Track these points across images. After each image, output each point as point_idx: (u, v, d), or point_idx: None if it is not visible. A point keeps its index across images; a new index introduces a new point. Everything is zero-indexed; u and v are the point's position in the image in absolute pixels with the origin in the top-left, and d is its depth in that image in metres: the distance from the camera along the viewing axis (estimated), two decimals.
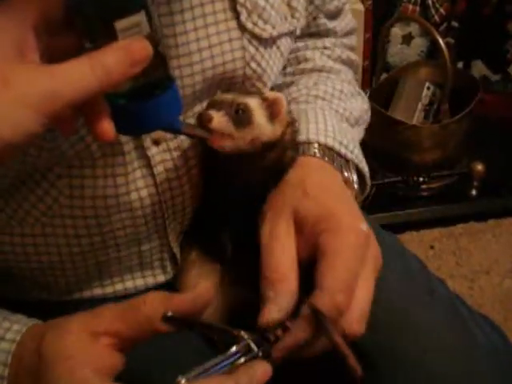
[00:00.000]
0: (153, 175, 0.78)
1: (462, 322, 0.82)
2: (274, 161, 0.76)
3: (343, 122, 0.88)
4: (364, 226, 0.70)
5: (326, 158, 0.79)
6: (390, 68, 2.22)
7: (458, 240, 2.02)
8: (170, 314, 0.59)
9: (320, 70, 0.95)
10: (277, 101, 0.74)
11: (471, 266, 1.94)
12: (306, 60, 0.96)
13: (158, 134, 0.75)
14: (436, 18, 2.18)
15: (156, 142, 0.76)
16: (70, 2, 0.54)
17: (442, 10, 2.18)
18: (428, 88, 2.00)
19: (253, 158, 0.74)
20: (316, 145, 0.80)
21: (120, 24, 0.53)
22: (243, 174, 0.77)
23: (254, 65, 0.79)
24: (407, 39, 2.22)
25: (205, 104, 0.77)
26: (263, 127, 0.73)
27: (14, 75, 0.50)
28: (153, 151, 0.77)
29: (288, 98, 0.90)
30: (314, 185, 0.73)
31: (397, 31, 2.20)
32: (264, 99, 0.74)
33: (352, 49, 1.03)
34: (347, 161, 0.83)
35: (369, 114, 0.99)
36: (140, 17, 0.54)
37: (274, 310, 0.64)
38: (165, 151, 0.78)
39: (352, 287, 0.65)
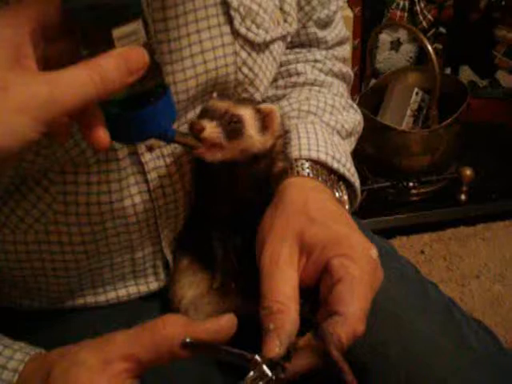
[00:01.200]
0: (146, 181, 0.77)
1: (456, 326, 0.82)
2: (263, 170, 0.76)
3: (334, 136, 0.88)
4: (374, 253, 0.69)
5: (320, 179, 0.79)
6: (379, 74, 2.23)
7: (447, 245, 2.03)
8: (188, 340, 0.58)
9: (312, 84, 0.95)
10: (270, 113, 0.74)
11: (461, 270, 1.95)
12: (298, 74, 0.95)
13: (152, 140, 0.75)
14: (424, 24, 2.20)
15: (150, 149, 0.76)
16: (68, 9, 0.54)
17: (429, 16, 2.20)
18: (417, 93, 2.01)
19: (242, 168, 0.74)
20: (308, 163, 0.79)
21: (117, 32, 0.54)
22: (232, 183, 0.77)
23: (245, 70, 0.79)
24: (395, 45, 2.24)
25: (198, 110, 0.77)
26: (254, 139, 0.73)
27: (11, 82, 0.50)
28: (146, 157, 0.76)
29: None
30: (317, 209, 0.72)
31: (385, 37, 2.22)
32: (257, 110, 0.73)
33: (344, 60, 1.02)
34: (338, 179, 0.83)
35: (362, 125, 0.98)
36: (137, 25, 0.55)
37: (276, 345, 0.62)
38: (158, 157, 0.77)
39: (367, 316, 0.65)
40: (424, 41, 1.86)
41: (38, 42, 0.54)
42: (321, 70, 0.96)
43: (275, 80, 0.95)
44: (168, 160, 0.78)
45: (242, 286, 0.72)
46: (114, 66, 0.53)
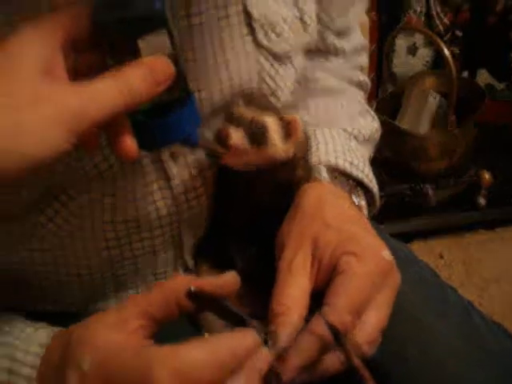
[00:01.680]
0: (170, 188, 0.79)
1: (476, 330, 0.82)
2: (284, 178, 0.77)
3: (352, 141, 0.88)
4: (386, 254, 0.69)
5: (338, 183, 0.79)
6: (396, 79, 2.23)
7: (466, 249, 2.02)
8: (192, 288, 0.59)
9: (329, 91, 0.95)
10: (293, 122, 0.74)
11: (481, 274, 1.94)
12: (315, 80, 0.95)
13: (176, 147, 0.76)
14: (440, 27, 2.19)
15: (173, 155, 0.77)
16: (96, 21, 0.55)
17: (445, 20, 2.19)
18: (434, 97, 2.01)
19: (263, 175, 0.75)
20: (326, 169, 0.80)
21: (143, 42, 0.55)
22: (253, 190, 0.78)
23: (268, 80, 0.80)
24: (412, 50, 2.23)
25: (222, 118, 0.78)
26: (278, 147, 0.74)
27: (44, 94, 0.51)
28: (170, 164, 0.78)
29: None
30: (333, 214, 0.72)
31: (402, 42, 2.21)
32: (281, 118, 0.74)
33: (361, 69, 1.02)
34: (357, 184, 0.83)
35: (379, 132, 0.98)
36: (162, 36, 0.56)
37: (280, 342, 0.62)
38: (182, 164, 0.78)
39: (360, 312, 0.65)
40: (440, 45, 1.86)
41: (68, 54, 0.55)
42: (338, 78, 0.97)
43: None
44: (192, 166, 0.79)
45: (262, 292, 0.72)
46: (141, 77, 0.54)
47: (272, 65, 0.79)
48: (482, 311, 0.89)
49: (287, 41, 0.80)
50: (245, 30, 0.76)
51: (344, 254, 0.67)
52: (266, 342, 0.60)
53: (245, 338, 0.57)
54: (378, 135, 0.98)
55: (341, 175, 0.81)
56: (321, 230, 0.71)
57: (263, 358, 0.58)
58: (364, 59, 1.04)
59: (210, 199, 0.82)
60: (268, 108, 0.77)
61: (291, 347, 0.62)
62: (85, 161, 0.71)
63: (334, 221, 0.71)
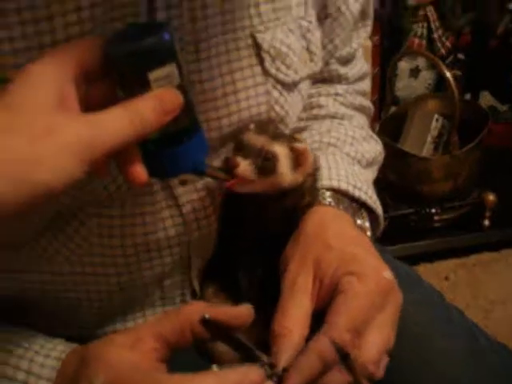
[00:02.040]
0: (181, 215, 0.79)
1: (481, 351, 0.82)
2: (290, 205, 0.78)
3: (355, 165, 0.90)
4: (387, 274, 0.70)
5: (341, 207, 0.80)
6: (399, 101, 2.24)
7: (472, 271, 2.02)
8: (207, 316, 0.61)
9: (333, 117, 0.96)
10: (304, 153, 0.75)
11: (486, 296, 1.94)
12: (320, 106, 0.97)
13: (185, 175, 0.77)
14: (442, 50, 2.21)
15: (182, 182, 0.78)
16: (107, 54, 0.57)
17: (447, 43, 2.21)
18: (437, 120, 2.02)
19: (271, 201, 0.76)
20: (329, 193, 0.81)
21: (153, 75, 0.57)
22: (260, 215, 0.79)
23: (278, 108, 0.81)
24: (415, 72, 2.25)
25: (230, 146, 0.79)
26: (286, 176, 0.75)
27: (57, 125, 0.53)
28: (179, 191, 0.78)
29: None
30: (334, 236, 0.74)
31: (404, 65, 2.23)
32: (291, 149, 0.75)
33: (364, 94, 1.04)
34: (360, 206, 0.84)
35: (382, 155, 1.00)
36: (171, 68, 0.58)
37: (283, 353, 0.64)
38: (192, 191, 0.79)
39: (360, 331, 0.65)
40: (442, 68, 1.87)
41: (80, 84, 0.57)
42: (342, 104, 0.98)
43: None
44: (202, 193, 0.80)
45: (267, 316, 0.73)
46: (151, 107, 0.56)
47: (281, 93, 0.81)
48: (488, 332, 0.89)
49: (296, 71, 0.81)
50: (254, 61, 0.78)
51: (345, 274, 0.68)
52: (272, 376, 0.61)
53: (251, 373, 0.58)
54: (381, 158, 0.99)
55: (344, 198, 0.82)
56: (323, 251, 0.72)
57: None
58: (367, 85, 1.06)
59: (218, 220, 0.83)
60: (277, 135, 0.78)
61: (291, 367, 0.63)
62: (95, 183, 0.72)
63: (336, 242, 0.73)
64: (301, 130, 0.96)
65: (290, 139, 0.78)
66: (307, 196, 0.79)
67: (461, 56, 2.26)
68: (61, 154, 0.52)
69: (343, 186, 0.82)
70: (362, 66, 1.02)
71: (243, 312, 0.64)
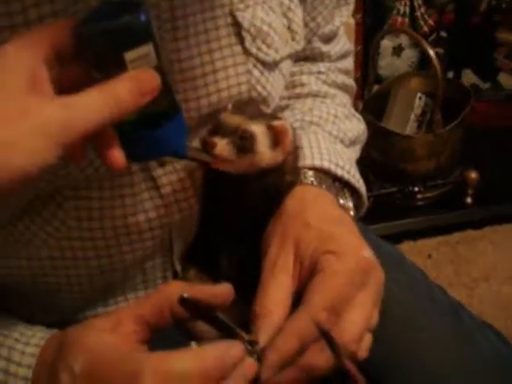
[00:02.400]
0: (161, 196, 0.78)
1: (466, 331, 0.83)
2: (272, 184, 0.77)
3: (337, 144, 0.89)
4: (366, 253, 0.70)
5: (324, 186, 0.79)
6: (382, 80, 2.23)
7: (455, 248, 2.03)
8: (185, 295, 0.60)
9: (315, 95, 0.96)
10: (282, 130, 0.74)
11: (470, 273, 1.95)
12: (302, 85, 0.96)
13: (165, 158, 0.76)
14: (425, 28, 2.21)
15: (161, 164, 0.77)
16: (81, 33, 0.55)
17: (430, 21, 2.21)
18: (420, 98, 2.02)
19: (251, 181, 0.75)
20: (311, 172, 0.80)
21: (129, 55, 0.55)
22: (241, 196, 0.77)
23: (259, 88, 0.80)
24: (397, 51, 2.24)
25: (209, 127, 0.78)
26: (265, 155, 0.73)
27: (30, 108, 0.51)
28: (158, 172, 0.77)
29: None
30: (314, 215, 0.73)
31: (387, 43, 2.22)
32: (269, 127, 0.74)
33: (347, 72, 1.03)
34: (344, 186, 0.83)
35: (365, 134, 0.99)
36: (148, 48, 0.56)
37: (263, 331, 0.64)
38: (171, 172, 0.78)
39: (339, 310, 0.65)
40: (425, 46, 1.87)
41: (52, 66, 0.55)
42: (324, 82, 0.97)
43: None
44: (182, 174, 0.79)
45: (248, 296, 0.73)
46: (128, 88, 0.54)
47: (262, 73, 0.80)
48: (472, 311, 0.89)
49: (277, 50, 0.80)
50: (234, 40, 0.77)
51: (324, 253, 0.68)
52: (252, 353, 0.61)
53: (231, 349, 0.57)
54: (364, 137, 0.98)
55: (326, 177, 0.81)
56: (302, 230, 0.71)
57: (249, 366, 0.59)
58: (349, 63, 1.05)
59: (199, 202, 0.82)
60: (256, 115, 0.76)
61: (269, 346, 0.62)
62: (71, 167, 0.71)
63: (316, 221, 0.72)
64: (283, 108, 0.95)
65: (268, 118, 0.77)
66: (288, 175, 0.78)
67: (443, 34, 2.25)
68: (35, 136, 0.51)
69: (325, 164, 0.81)
70: (344, 43, 1.02)
71: (223, 291, 0.63)
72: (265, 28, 0.78)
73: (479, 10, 2.22)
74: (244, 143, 0.72)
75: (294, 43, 0.84)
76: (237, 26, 0.76)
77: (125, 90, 0.54)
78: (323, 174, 0.81)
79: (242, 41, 0.77)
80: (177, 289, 0.61)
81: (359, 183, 0.85)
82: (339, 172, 0.82)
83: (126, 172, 0.75)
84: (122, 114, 0.55)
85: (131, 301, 0.86)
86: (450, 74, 2.32)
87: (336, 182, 0.82)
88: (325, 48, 0.97)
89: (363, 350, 0.66)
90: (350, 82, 1.03)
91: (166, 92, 0.58)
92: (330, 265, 0.67)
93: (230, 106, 0.76)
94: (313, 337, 0.63)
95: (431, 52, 1.85)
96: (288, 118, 0.91)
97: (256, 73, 0.79)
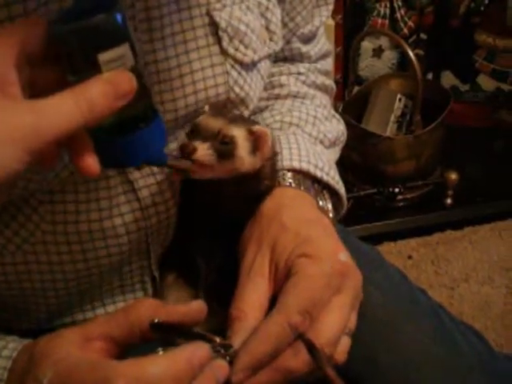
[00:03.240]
0: (138, 200, 0.77)
1: (446, 332, 0.82)
2: (249, 189, 0.76)
3: (317, 145, 0.88)
4: (343, 256, 0.69)
5: (302, 187, 0.79)
6: (362, 81, 2.24)
7: (435, 249, 2.03)
8: (156, 320, 0.59)
9: (295, 96, 0.95)
10: (262, 136, 0.73)
11: (450, 274, 1.95)
12: (281, 86, 0.95)
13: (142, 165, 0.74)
14: (405, 30, 2.21)
15: (138, 167, 0.76)
16: (53, 34, 0.53)
17: (410, 23, 2.21)
18: (400, 100, 2.02)
19: (229, 185, 0.74)
20: (290, 174, 0.79)
21: (103, 56, 0.52)
22: (217, 201, 0.76)
23: (237, 89, 0.79)
24: (378, 52, 2.25)
25: (186, 129, 0.76)
26: (244, 160, 0.72)
27: None
28: (135, 175, 0.76)
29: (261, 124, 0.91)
30: (291, 217, 0.73)
31: (367, 45, 2.22)
32: (250, 132, 0.73)
33: (327, 73, 1.03)
34: (323, 188, 0.83)
35: (345, 135, 0.98)
36: (124, 49, 0.54)
37: (238, 335, 0.64)
38: (148, 175, 0.77)
39: (314, 314, 0.64)
40: (406, 47, 1.87)
41: (22, 68, 0.53)
42: (304, 83, 0.97)
43: None
44: (159, 177, 0.78)
45: (227, 300, 0.72)
46: (101, 91, 0.52)
47: (240, 73, 0.79)
48: (452, 311, 0.89)
49: (255, 50, 0.80)
50: (211, 40, 0.76)
51: (299, 256, 0.67)
52: (225, 356, 0.61)
53: (198, 350, 0.56)
54: (344, 138, 0.98)
55: (305, 179, 0.80)
56: (278, 233, 0.71)
57: (219, 368, 0.58)
58: (329, 63, 1.04)
59: (177, 205, 0.81)
60: (235, 118, 0.76)
61: (241, 348, 0.62)
62: (45, 172, 0.69)
63: (292, 224, 0.71)
64: (262, 110, 0.94)
65: (248, 122, 0.76)
66: (266, 181, 0.77)
67: (423, 36, 2.26)
68: (1, 143, 0.48)
69: (304, 166, 0.80)
70: (323, 44, 1.01)
71: (195, 309, 0.62)
72: (242, 28, 0.78)
73: (458, 13, 2.22)
74: (225, 148, 0.71)
75: (272, 43, 0.84)
76: (214, 26, 0.75)
77: (99, 93, 0.52)
78: (302, 175, 0.80)
79: (219, 41, 0.76)
80: (148, 310, 0.60)
81: (338, 185, 0.85)
82: (318, 174, 0.81)
83: (102, 176, 0.73)
84: (95, 119, 0.52)
85: (109, 307, 0.85)
86: (430, 76, 2.32)
87: (315, 184, 0.82)
88: (304, 48, 0.96)
89: (340, 353, 0.66)
90: (330, 82, 1.03)
91: (142, 94, 0.56)
92: (305, 268, 0.66)
93: (206, 108, 0.75)
94: (287, 340, 0.62)
95: (411, 54, 1.85)
96: (267, 118, 0.90)
97: (234, 73, 0.78)
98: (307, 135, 0.88)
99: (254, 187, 0.76)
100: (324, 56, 1.02)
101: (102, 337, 0.59)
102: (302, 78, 0.97)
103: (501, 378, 0.79)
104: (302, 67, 0.97)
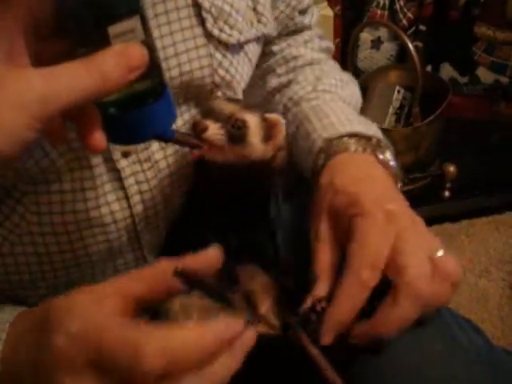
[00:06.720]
0: (123, 188, 0.76)
1: (446, 326, 0.82)
2: (260, 174, 0.75)
3: (350, 108, 0.91)
4: (390, 205, 0.72)
5: (361, 148, 0.80)
6: (360, 73, 2.23)
7: None
8: (180, 268, 0.58)
9: (310, 64, 0.98)
10: (276, 124, 0.72)
11: None
12: (295, 58, 0.98)
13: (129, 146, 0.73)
14: (404, 22, 2.20)
15: (125, 154, 0.75)
16: (63, 6, 0.52)
17: (409, 14, 2.20)
18: (398, 92, 2.02)
19: (235, 172, 0.73)
20: (346, 138, 0.81)
21: (113, 29, 0.52)
22: (228, 183, 0.75)
23: (222, 72, 0.78)
24: (376, 44, 2.24)
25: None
26: (256, 147, 0.71)
27: (6, 79, 0.48)
28: (123, 164, 0.75)
29: (294, 97, 0.93)
30: (341, 182, 0.75)
31: (366, 36, 2.22)
32: (264, 119, 0.72)
33: (324, 37, 1.06)
34: (377, 142, 0.83)
35: (361, 98, 1.03)
36: (134, 22, 0.53)
37: (322, 287, 0.69)
38: (135, 163, 0.76)
39: (378, 264, 0.67)
40: (405, 39, 1.87)
41: (30, 40, 0.51)
42: (313, 49, 1.00)
43: (273, 70, 0.98)
44: (145, 165, 0.77)
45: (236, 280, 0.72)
46: (114, 62, 0.51)
47: (225, 55, 0.78)
48: (450, 304, 0.89)
49: (240, 31, 0.79)
50: (194, 21, 0.75)
51: (352, 216, 0.70)
52: (250, 324, 0.60)
53: (232, 325, 0.56)
54: (361, 100, 1.02)
55: (360, 139, 0.81)
56: (332, 198, 0.74)
57: (247, 338, 0.57)
58: (320, 29, 1.08)
59: (167, 199, 0.80)
60: (250, 105, 0.75)
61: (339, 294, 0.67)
62: (24, 158, 0.68)
63: (341, 186, 0.74)
64: (285, 85, 0.96)
65: (263, 110, 0.75)
66: (276, 174, 0.76)
67: (422, 27, 2.25)
68: (10, 109, 0.47)
69: (357, 128, 0.82)
70: (315, 11, 1.05)
71: (211, 255, 0.61)
72: (226, 8, 0.77)
73: (458, 4, 2.22)
74: (236, 132, 0.70)
75: (260, 26, 0.83)
76: (197, 6, 0.74)
77: (112, 64, 0.50)
78: (356, 138, 0.81)
79: (202, 22, 0.75)
80: (169, 264, 0.58)
81: (385, 140, 0.86)
82: (370, 132, 0.83)
83: (85, 165, 0.72)
84: (107, 90, 0.51)
85: (123, 275, 0.84)
86: (429, 68, 2.32)
87: (371, 141, 0.83)
88: (306, 20, 1.00)
89: (353, 336, 0.69)
90: (328, 44, 1.07)
91: (153, 68, 0.55)
92: (359, 226, 0.69)
93: (219, 93, 0.74)
94: (362, 297, 0.67)
95: (410, 45, 1.85)
96: (299, 91, 0.92)
97: (218, 56, 0.77)
98: (341, 101, 0.91)
99: (264, 172, 0.75)
100: (317, 22, 1.05)
101: (119, 294, 0.57)
102: (310, 45, 1.00)
103: (500, 373, 0.79)
104: (305, 35, 1.01)
